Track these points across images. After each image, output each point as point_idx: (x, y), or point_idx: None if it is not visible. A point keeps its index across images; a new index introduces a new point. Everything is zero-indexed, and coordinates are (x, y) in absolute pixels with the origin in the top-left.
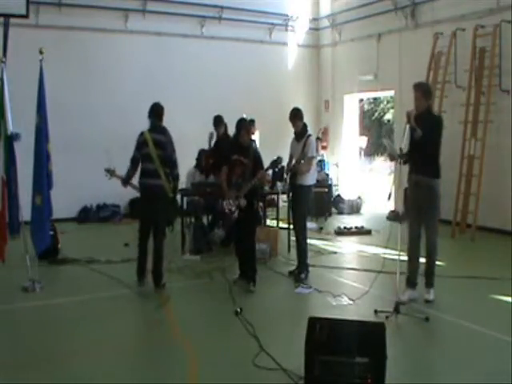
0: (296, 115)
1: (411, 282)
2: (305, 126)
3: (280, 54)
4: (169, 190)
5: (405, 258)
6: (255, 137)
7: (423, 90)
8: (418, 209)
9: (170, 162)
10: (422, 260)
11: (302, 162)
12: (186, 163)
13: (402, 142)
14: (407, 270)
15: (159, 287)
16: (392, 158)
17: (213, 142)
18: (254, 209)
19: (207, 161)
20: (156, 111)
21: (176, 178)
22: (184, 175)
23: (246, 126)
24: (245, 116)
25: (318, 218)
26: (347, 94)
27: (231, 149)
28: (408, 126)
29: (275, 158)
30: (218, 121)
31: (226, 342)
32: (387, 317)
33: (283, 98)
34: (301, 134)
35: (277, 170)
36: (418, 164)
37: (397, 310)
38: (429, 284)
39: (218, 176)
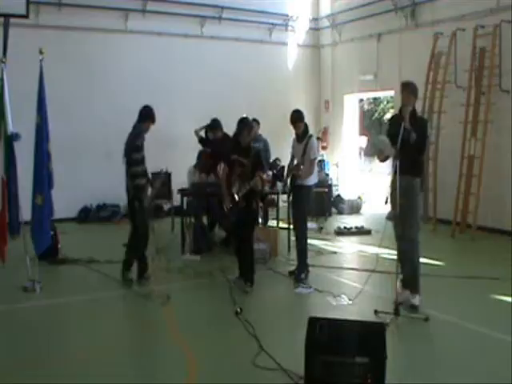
0: (297, 118)
1: (406, 283)
2: (306, 126)
3: (280, 54)
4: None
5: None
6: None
7: (412, 89)
8: (401, 210)
9: (128, 160)
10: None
11: (302, 167)
12: (185, 163)
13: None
14: (401, 270)
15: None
16: (380, 155)
17: (202, 133)
18: (251, 210)
19: (207, 160)
20: (139, 113)
21: (131, 175)
22: (184, 175)
23: (247, 125)
24: (244, 115)
25: (318, 218)
26: (347, 94)
27: (231, 148)
28: (402, 126)
29: (272, 160)
30: (216, 124)
31: (226, 342)
32: (387, 324)
33: (283, 98)
34: (302, 134)
35: (275, 171)
36: (401, 164)
37: (397, 313)
38: (412, 290)
39: (218, 176)
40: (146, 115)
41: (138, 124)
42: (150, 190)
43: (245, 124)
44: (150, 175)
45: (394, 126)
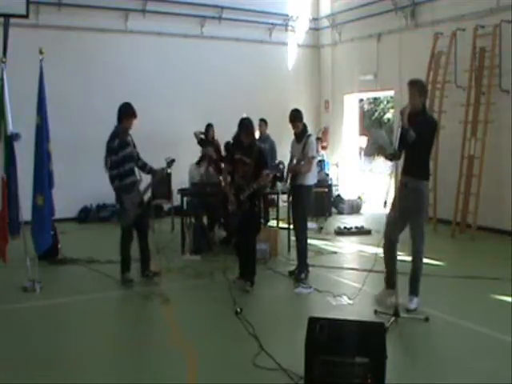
0: (296, 117)
1: (389, 283)
2: (305, 126)
3: (280, 54)
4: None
5: (404, 258)
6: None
7: (419, 87)
8: (402, 212)
9: (105, 163)
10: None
11: (302, 163)
12: (185, 163)
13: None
14: (385, 271)
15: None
16: (382, 151)
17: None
18: (255, 211)
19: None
20: (117, 112)
21: (109, 178)
22: (184, 175)
23: (247, 127)
24: (244, 115)
25: (318, 218)
26: (347, 94)
27: (234, 148)
28: (400, 126)
29: (275, 163)
30: (208, 129)
31: (226, 342)
32: (387, 328)
33: (283, 98)
34: (301, 134)
35: (278, 174)
36: (407, 165)
37: (396, 314)
38: (412, 292)
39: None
40: (125, 112)
41: (117, 124)
42: (141, 186)
43: (244, 125)
44: (149, 166)
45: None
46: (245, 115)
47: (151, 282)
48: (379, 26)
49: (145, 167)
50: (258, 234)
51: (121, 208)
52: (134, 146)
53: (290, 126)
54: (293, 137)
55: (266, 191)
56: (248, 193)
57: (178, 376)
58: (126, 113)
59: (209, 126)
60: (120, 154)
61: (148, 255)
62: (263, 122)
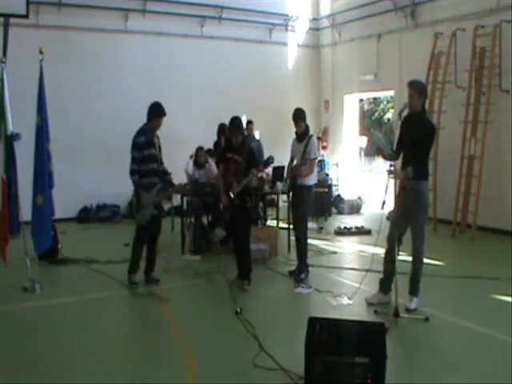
0: (300, 115)
1: (383, 286)
2: (307, 126)
3: (280, 54)
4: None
5: (404, 258)
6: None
7: (418, 88)
8: (403, 213)
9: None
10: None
11: (304, 167)
12: (183, 161)
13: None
14: (383, 272)
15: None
16: (381, 152)
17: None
18: (247, 208)
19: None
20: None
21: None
22: (184, 175)
23: (237, 126)
24: (235, 116)
25: (318, 218)
26: (347, 94)
27: (225, 147)
28: (399, 124)
29: (266, 158)
30: (223, 129)
31: (226, 342)
32: (387, 329)
33: (283, 98)
34: (303, 134)
35: (273, 167)
36: (405, 166)
37: (396, 314)
38: (412, 292)
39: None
40: (150, 112)
41: (146, 122)
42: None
43: (236, 125)
44: (170, 177)
45: (405, 128)
46: (236, 116)
47: (151, 283)
48: (379, 26)
49: (165, 175)
50: (251, 231)
51: (137, 205)
52: (160, 149)
53: (289, 126)
54: (293, 136)
55: (266, 191)
56: (238, 189)
57: (178, 376)
58: (156, 112)
59: (223, 126)
60: (145, 152)
61: (154, 257)
62: (250, 123)
